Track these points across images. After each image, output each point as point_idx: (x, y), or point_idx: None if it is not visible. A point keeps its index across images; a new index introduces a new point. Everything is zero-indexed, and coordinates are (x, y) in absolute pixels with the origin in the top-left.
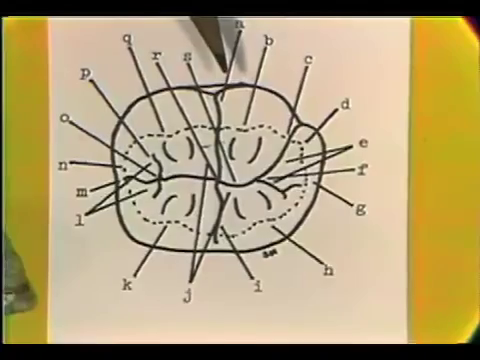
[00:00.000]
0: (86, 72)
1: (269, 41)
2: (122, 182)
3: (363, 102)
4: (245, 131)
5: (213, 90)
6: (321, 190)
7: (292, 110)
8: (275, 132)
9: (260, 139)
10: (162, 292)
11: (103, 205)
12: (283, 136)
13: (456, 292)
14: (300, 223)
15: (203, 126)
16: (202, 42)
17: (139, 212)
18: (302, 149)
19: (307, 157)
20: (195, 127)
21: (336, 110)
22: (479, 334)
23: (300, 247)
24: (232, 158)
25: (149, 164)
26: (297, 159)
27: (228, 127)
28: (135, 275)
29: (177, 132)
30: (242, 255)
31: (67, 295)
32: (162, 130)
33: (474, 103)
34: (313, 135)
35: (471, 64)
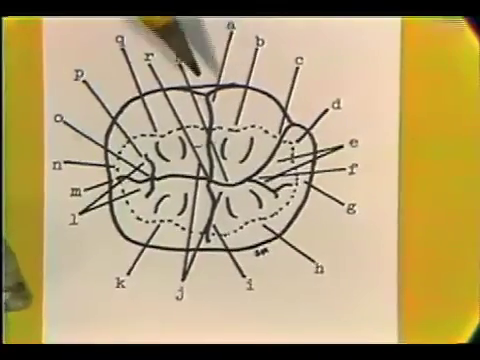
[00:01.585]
0: (80, 73)
1: (260, 42)
2: (115, 182)
3: (354, 102)
4: (237, 131)
5: (205, 91)
6: (312, 189)
7: (283, 110)
8: (266, 132)
9: (252, 139)
10: (155, 290)
11: (97, 204)
12: (274, 136)
13: (450, 291)
14: (291, 222)
15: (195, 126)
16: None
17: (132, 211)
18: (293, 149)
19: (298, 157)
20: (187, 127)
21: (327, 110)
22: (479, 334)
23: (291, 246)
24: (224, 158)
25: (142, 164)
26: (288, 159)
27: (220, 127)
28: (129, 273)
29: (169, 132)
30: (234, 254)
31: (62, 293)
32: (155, 130)
33: (464, 103)
34: (304, 135)
35: (461, 64)
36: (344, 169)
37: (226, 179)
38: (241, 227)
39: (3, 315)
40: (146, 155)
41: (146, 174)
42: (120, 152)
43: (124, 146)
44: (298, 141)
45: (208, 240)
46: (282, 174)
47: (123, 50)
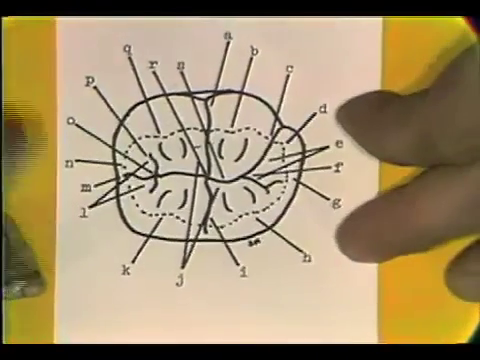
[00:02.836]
0: (90, 79)
1: (255, 51)
2: (122, 178)
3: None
4: (232, 133)
5: (204, 96)
6: (300, 186)
7: (275, 114)
8: (259, 134)
9: (246, 140)
10: (157, 277)
11: (105, 199)
12: (267, 137)
13: (445, 289)
14: (282, 215)
15: (195, 128)
16: (194, 52)
17: (137, 205)
18: (284, 149)
19: (288, 156)
20: (188, 129)
21: (315, 114)
22: (479, 334)
23: (281, 237)
24: (221, 157)
25: (146, 162)
26: (279, 158)
27: (217, 129)
28: (133, 262)
29: (171, 134)
30: (229, 244)
31: (72, 279)
32: (158, 132)
33: None
34: (294, 136)
35: (445, 64)
36: (330, 167)
37: (222, 176)
38: (236, 220)
39: (21, 299)
40: (150, 154)
41: (150, 171)
42: (126, 152)
43: (130, 146)
44: (288, 142)
45: (206, 231)
46: (273, 172)
47: (130, 59)
